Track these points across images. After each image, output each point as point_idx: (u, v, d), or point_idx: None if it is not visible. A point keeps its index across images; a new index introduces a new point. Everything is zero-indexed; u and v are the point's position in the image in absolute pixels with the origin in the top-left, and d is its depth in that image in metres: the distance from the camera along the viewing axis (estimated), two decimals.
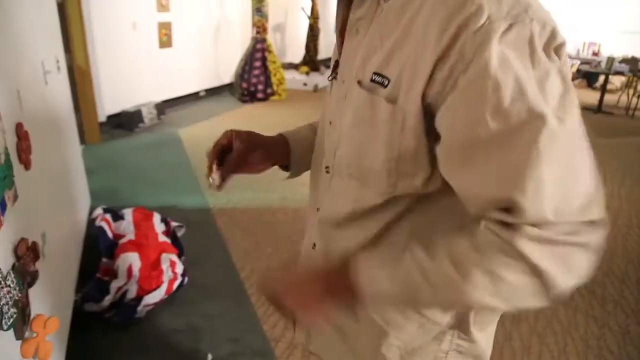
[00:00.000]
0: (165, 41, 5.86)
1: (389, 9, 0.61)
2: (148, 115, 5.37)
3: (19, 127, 1.39)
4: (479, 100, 0.50)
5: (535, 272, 0.51)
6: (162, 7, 5.71)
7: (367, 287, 0.61)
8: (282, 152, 0.90)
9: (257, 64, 6.94)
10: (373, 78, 0.61)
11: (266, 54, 6.99)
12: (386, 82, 0.59)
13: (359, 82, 0.64)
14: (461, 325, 0.71)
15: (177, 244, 2.55)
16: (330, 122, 0.75)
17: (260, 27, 6.95)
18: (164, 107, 5.67)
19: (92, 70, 4.58)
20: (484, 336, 0.74)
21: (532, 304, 0.54)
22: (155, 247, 2.36)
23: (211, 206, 3.26)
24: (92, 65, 4.57)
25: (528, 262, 0.51)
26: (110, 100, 5.06)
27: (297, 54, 8.93)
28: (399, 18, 0.59)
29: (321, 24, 8.44)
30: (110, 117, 5.11)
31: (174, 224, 2.75)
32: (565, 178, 0.50)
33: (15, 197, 1.17)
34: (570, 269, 0.52)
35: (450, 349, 0.72)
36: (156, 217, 2.70)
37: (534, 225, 0.50)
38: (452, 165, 0.56)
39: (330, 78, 0.77)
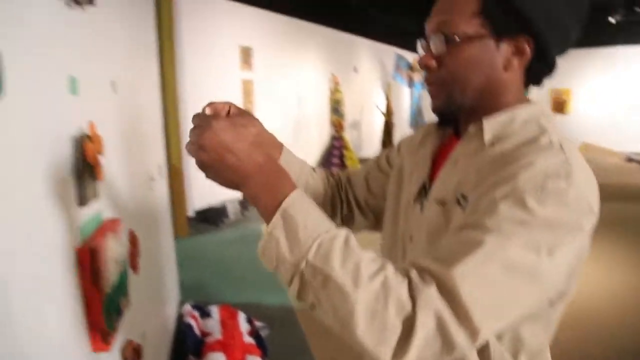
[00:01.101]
0: None
1: (491, 152, 0.74)
2: (232, 210, 5.62)
3: (130, 234, 1.51)
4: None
5: (410, 326, 0.57)
6: (248, 110, 6.18)
7: (283, 214, 0.63)
8: (272, 147, 0.95)
9: (335, 160, 7.19)
10: (458, 200, 0.74)
11: (343, 150, 7.25)
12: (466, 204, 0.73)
13: (444, 203, 0.77)
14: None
15: (261, 345, 2.53)
16: (412, 238, 0.85)
17: (337, 126, 7.28)
18: (247, 202, 5.93)
19: (184, 168, 4.94)
20: None
21: (377, 347, 0.58)
22: (240, 347, 2.36)
23: (294, 305, 3.25)
24: (184, 163, 4.94)
25: (416, 312, 0.57)
26: (198, 195, 5.37)
27: (373, 148, 9.16)
28: (496, 160, 0.72)
29: (395, 120, 8.69)
30: (197, 212, 5.40)
31: (258, 324, 2.76)
32: (490, 290, 0.61)
33: (128, 303, 1.24)
34: (426, 348, 0.58)
35: None
36: (241, 316, 2.73)
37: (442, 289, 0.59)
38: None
39: (416, 198, 0.86)
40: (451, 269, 0.60)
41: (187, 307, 2.83)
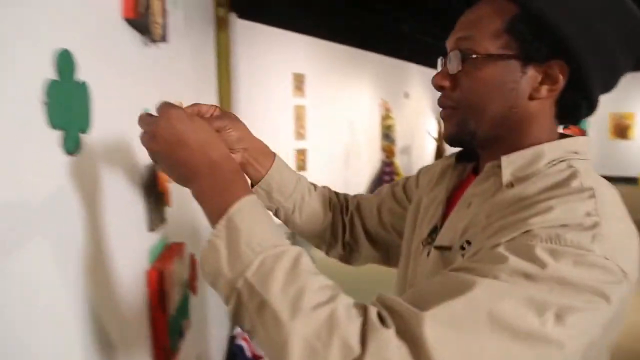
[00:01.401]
0: (301, 165, 6.35)
1: (509, 195, 0.63)
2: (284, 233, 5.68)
3: (191, 257, 1.56)
4: None
5: None
6: (300, 135, 6.28)
7: (230, 220, 0.54)
8: (261, 154, 0.86)
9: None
10: (463, 245, 0.65)
11: (394, 176, 7.22)
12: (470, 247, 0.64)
13: (447, 249, 0.68)
14: None
15: None
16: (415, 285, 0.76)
17: (388, 151, 7.27)
18: None
19: None
20: None
21: None
22: None
23: None
24: None
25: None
26: None
27: None
28: (512, 204, 0.61)
29: (446, 145, 8.58)
30: None
31: None
32: (466, 344, 0.49)
33: (189, 325, 1.28)
34: None
35: None
36: None
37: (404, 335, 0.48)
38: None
39: (425, 242, 0.77)
40: (423, 310, 0.49)
41: (239, 329, 2.86)
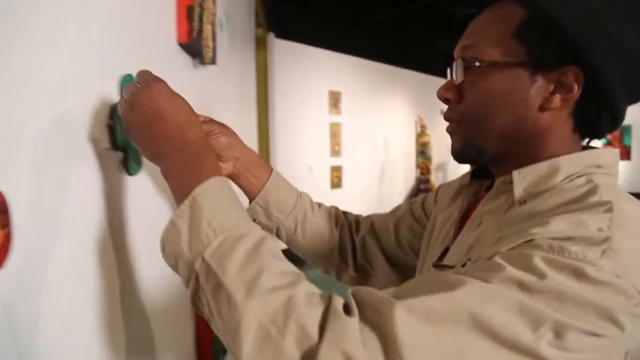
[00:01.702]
0: (336, 182, 6.36)
1: (520, 210, 0.58)
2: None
3: None
4: None
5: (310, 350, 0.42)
6: (335, 152, 6.30)
7: (194, 198, 0.51)
8: (254, 166, 0.80)
9: None
10: (465, 263, 0.58)
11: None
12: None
13: (453, 267, 0.61)
14: None
15: None
16: None
17: (423, 168, 7.20)
18: None
19: None
20: None
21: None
22: None
23: None
24: None
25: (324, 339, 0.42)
26: None
27: None
28: (523, 220, 0.55)
29: None
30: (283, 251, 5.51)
31: None
32: (440, 345, 0.44)
33: None
34: None
35: None
36: None
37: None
38: None
39: (435, 263, 0.71)
40: (397, 300, 0.45)
41: None
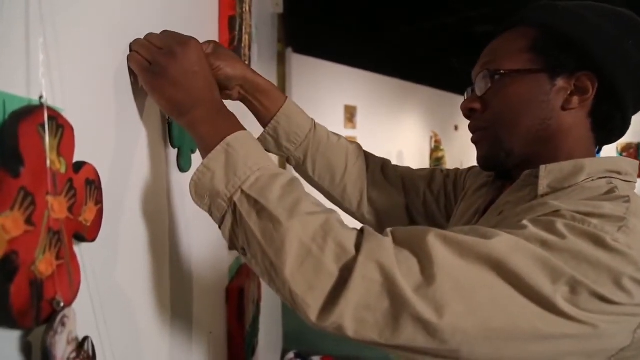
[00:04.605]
0: None
1: (542, 201, 0.60)
2: None
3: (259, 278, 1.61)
4: None
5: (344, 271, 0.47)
6: None
7: (227, 145, 0.54)
8: (259, 92, 0.79)
9: None
10: None
11: None
12: None
13: None
14: None
15: None
16: None
17: None
18: None
19: None
20: None
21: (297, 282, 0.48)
22: None
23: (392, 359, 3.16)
24: None
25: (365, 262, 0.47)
26: None
27: None
28: (542, 208, 0.58)
29: None
30: None
31: None
32: (469, 276, 0.48)
33: (259, 343, 1.32)
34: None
35: None
36: None
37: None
38: None
39: None
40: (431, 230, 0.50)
41: (290, 355, 2.88)
